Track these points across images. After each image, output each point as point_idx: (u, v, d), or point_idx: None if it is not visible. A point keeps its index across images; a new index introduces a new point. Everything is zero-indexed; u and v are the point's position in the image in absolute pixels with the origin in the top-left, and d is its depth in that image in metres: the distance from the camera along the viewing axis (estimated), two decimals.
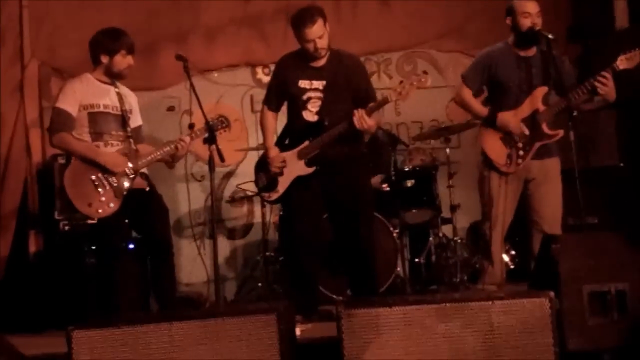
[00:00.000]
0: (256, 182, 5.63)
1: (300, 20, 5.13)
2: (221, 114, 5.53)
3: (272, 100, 5.49)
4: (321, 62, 5.28)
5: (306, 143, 5.26)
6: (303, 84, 5.27)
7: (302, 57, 5.29)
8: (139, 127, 5.53)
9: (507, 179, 5.42)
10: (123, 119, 5.32)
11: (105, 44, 5.27)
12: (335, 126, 5.19)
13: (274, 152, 5.38)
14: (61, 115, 5.21)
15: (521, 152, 5.35)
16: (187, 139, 5.28)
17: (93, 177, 5.09)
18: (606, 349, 3.94)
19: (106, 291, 5.24)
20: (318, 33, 5.12)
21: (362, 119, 5.06)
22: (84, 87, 5.28)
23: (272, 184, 5.41)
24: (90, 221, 5.08)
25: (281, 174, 5.34)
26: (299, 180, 5.30)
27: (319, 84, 5.26)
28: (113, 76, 5.33)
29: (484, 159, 5.49)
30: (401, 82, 5.21)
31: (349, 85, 5.29)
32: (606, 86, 5.15)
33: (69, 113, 5.20)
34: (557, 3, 7.80)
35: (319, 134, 5.23)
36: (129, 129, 5.33)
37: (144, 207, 5.29)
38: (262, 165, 5.52)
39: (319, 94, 5.26)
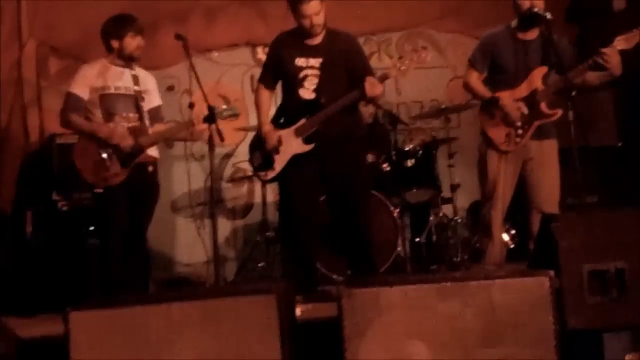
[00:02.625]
0: (251, 161, 5.56)
1: None
2: (224, 96, 5.54)
3: (268, 78, 5.48)
4: (317, 40, 5.28)
5: (303, 121, 5.24)
6: (299, 61, 5.26)
7: (298, 35, 5.28)
8: (158, 107, 5.63)
9: (506, 158, 5.43)
10: (136, 100, 5.39)
11: (113, 29, 5.39)
12: (331, 104, 5.17)
13: (268, 127, 5.36)
14: (71, 99, 5.35)
15: (520, 131, 5.37)
16: (204, 127, 5.32)
17: (100, 150, 5.23)
18: (605, 328, 3.95)
19: (105, 270, 5.26)
20: (315, 9, 5.11)
21: (375, 86, 5.05)
22: (96, 71, 5.40)
23: (267, 163, 5.37)
24: (97, 190, 5.17)
25: (277, 152, 5.31)
26: (295, 159, 5.28)
27: (315, 62, 5.24)
28: (126, 59, 5.43)
29: (484, 137, 5.51)
30: (400, 57, 5.20)
31: (346, 63, 5.27)
32: (610, 61, 5.14)
33: (79, 96, 5.34)
34: None
35: (315, 112, 5.21)
36: (142, 110, 5.42)
37: (138, 187, 5.35)
38: (257, 144, 5.48)
39: (315, 72, 5.24)
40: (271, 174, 5.37)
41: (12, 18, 6.85)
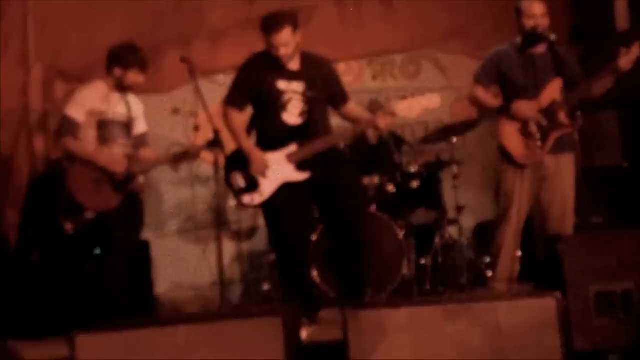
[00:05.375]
0: (229, 183, 5.25)
1: (267, 26, 5.03)
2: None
3: (239, 100, 5.24)
4: (296, 64, 5.16)
5: (294, 147, 5.10)
6: (281, 85, 5.12)
7: (274, 58, 5.12)
8: (145, 133, 5.64)
9: (523, 174, 5.41)
10: (128, 127, 5.44)
11: (123, 57, 5.38)
12: (319, 130, 5.13)
13: (259, 153, 5.12)
14: (67, 123, 5.35)
15: (539, 143, 5.34)
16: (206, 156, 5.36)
17: (95, 174, 5.25)
18: (613, 349, 3.93)
19: (107, 295, 5.25)
20: (283, 41, 5.00)
21: (384, 120, 5.03)
22: (94, 94, 5.40)
23: (251, 186, 5.15)
24: (88, 216, 5.16)
25: (264, 176, 5.10)
26: (284, 185, 5.12)
27: (297, 86, 5.13)
28: (122, 88, 5.42)
29: (502, 153, 5.48)
30: (410, 97, 5.15)
31: (326, 88, 5.22)
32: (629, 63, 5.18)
33: (76, 120, 5.33)
34: (558, 5, 7.81)
35: (305, 137, 5.10)
36: (133, 137, 5.44)
37: (130, 212, 5.38)
38: (235, 164, 5.22)
39: (299, 97, 5.13)
40: (259, 199, 5.15)
41: (19, 42, 6.89)
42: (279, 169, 5.11)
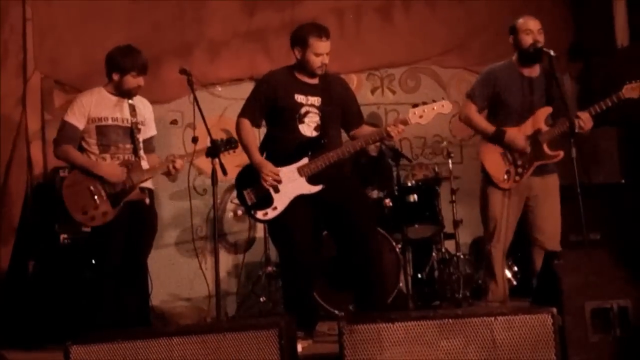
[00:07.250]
0: (242, 200, 5.22)
1: (317, 32, 5.08)
2: (228, 133, 5.46)
3: (256, 114, 5.27)
4: (314, 80, 5.21)
5: (305, 160, 5.11)
6: (299, 98, 5.16)
7: (292, 73, 5.23)
8: (152, 137, 5.63)
9: (509, 192, 5.42)
10: (132, 132, 5.39)
11: (118, 62, 5.34)
12: (331, 144, 5.13)
13: (270, 165, 5.10)
14: (66, 129, 5.34)
15: (520, 170, 5.38)
16: (180, 162, 5.33)
17: (91, 186, 5.21)
18: None
19: (99, 307, 5.22)
20: (327, 49, 5.09)
21: (396, 128, 5.03)
22: (95, 100, 5.38)
23: (264, 201, 5.12)
24: (84, 229, 5.14)
25: (277, 190, 5.10)
26: (296, 198, 5.11)
27: (314, 100, 5.18)
28: (122, 93, 5.40)
29: (484, 174, 5.50)
30: (421, 105, 5.14)
31: (342, 105, 5.27)
32: (584, 127, 5.21)
33: (75, 127, 5.33)
34: (559, 21, 7.83)
35: (317, 150, 5.10)
36: (137, 142, 5.41)
37: (136, 221, 5.35)
38: (248, 181, 5.21)
39: (315, 110, 5.18)
40: (273, 214, 5.11)
41: (17, 51, 6.89)
42: (291, 183, 5.11)
